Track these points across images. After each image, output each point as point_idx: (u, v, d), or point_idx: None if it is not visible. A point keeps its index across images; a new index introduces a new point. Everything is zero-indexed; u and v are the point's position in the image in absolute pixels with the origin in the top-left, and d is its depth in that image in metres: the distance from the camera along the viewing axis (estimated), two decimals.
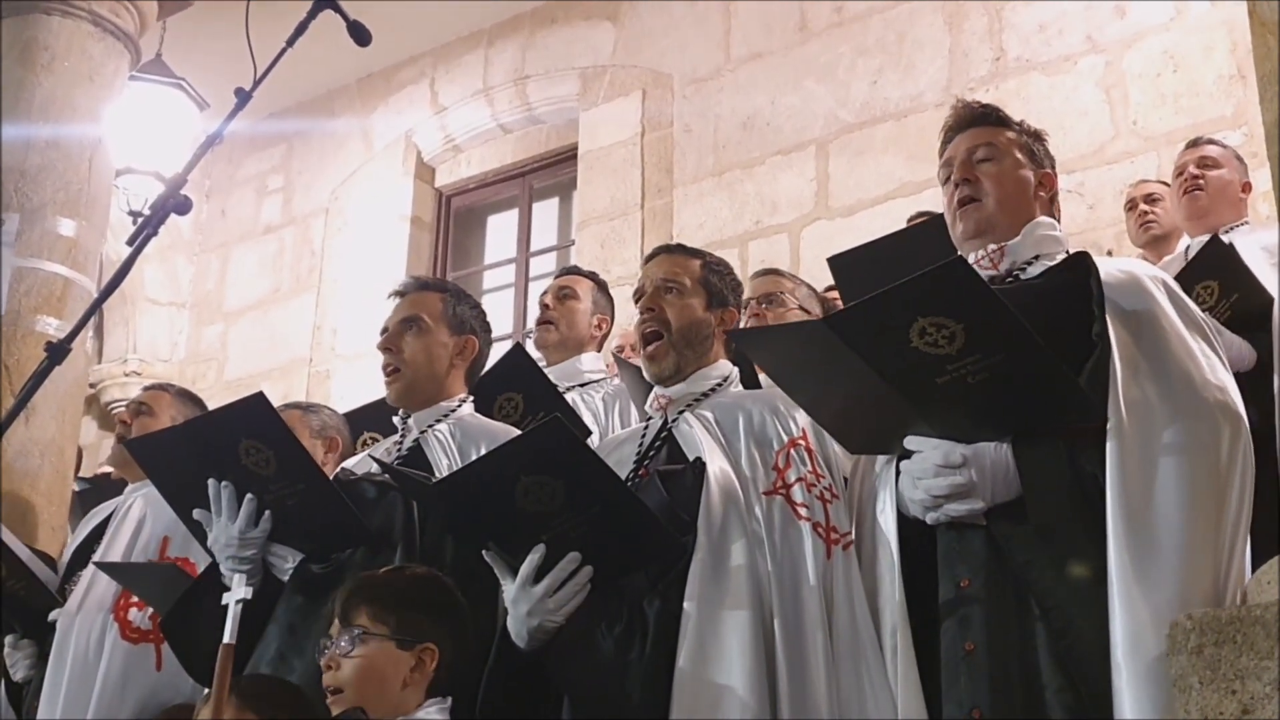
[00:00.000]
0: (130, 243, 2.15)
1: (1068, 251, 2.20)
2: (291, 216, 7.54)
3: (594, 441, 2.96)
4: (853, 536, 2.19)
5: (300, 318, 7.20)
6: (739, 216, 5.85)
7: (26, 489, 4.38)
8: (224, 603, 2.23)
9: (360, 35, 2.47)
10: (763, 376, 2.75)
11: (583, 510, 2.10)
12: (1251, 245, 3.25)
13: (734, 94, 6.06)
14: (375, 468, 2.63)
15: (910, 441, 2.00)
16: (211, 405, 3.31)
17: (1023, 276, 2.16)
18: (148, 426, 3.36)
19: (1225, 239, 3.30)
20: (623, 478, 2.26)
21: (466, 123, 7.08)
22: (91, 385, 6.96)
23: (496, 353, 3.15)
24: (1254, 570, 1.75)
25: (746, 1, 6.14)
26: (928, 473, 1.96)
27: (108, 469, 4.50)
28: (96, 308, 2.44)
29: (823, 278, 3.62)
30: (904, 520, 2.05)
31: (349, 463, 2.92)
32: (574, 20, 6.73)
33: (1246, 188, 3.67)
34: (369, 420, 3.51)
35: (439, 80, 7.19)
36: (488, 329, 2.87)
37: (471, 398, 2.81)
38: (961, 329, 1.82)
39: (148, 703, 3.10)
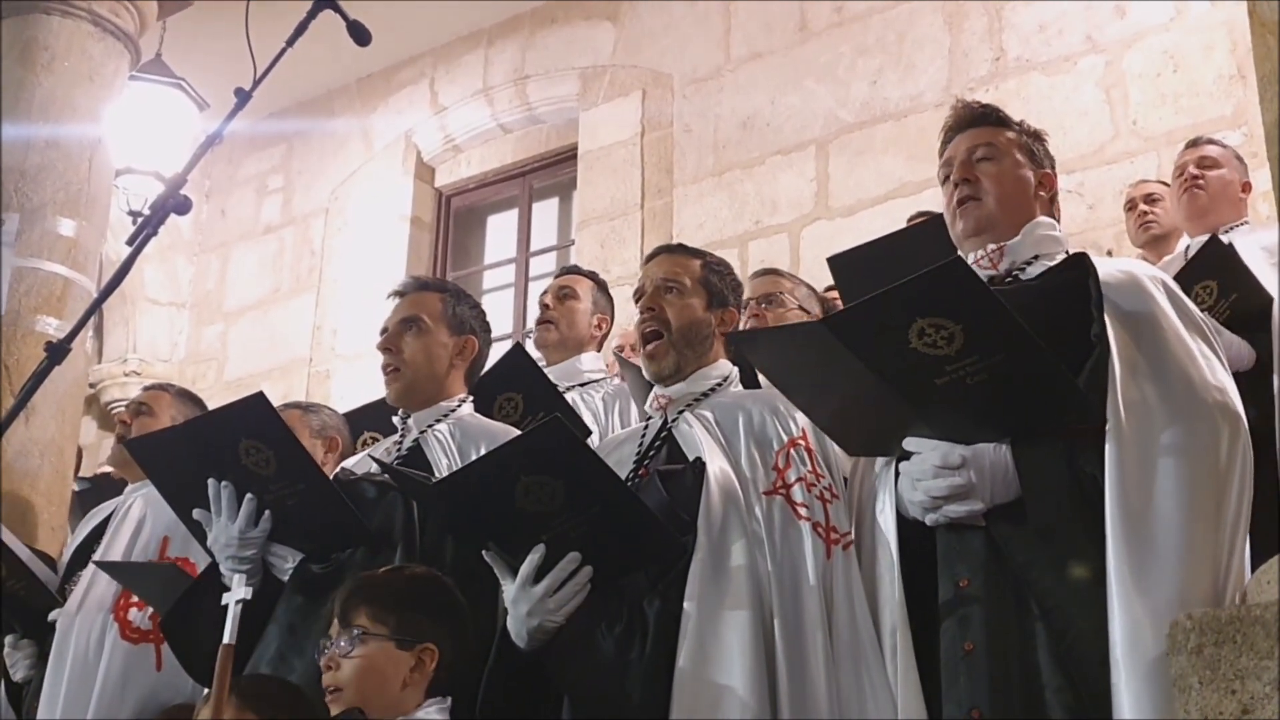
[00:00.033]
0: (130, 243, 2.15)
1: (1067, 252, 2.20)
2: (291, 216, 7.54)
3: (594, 441, 2.96)
4: (853, 536, 2.19)
5: (300, 318, 7.20)
6: (739, 216, 5.85)
7: (26, 489, 4.38)
8: (224, 603, 2.23)
9: (360, 35, 2.47)
10: (762, 377, 2.75)
11: (583, 510, 2.10)
12: (1251, 245, 3.25)
13: (734, 94, 6.06)
14: (375, 468, 2.63)
15: (909, 443, 2.00)
16: (211, 405, 3.31)
17: (1022, 276, 2.16)
18: (148, 426, 3.35)
19: (1224, 239, 3.30)
20: (623, 477, 2.26)
21: (466, 123, 7.08)
22: (91, 385, 6.97)
23: (496, 353, 3.15)
24: (1254, 570, 1.75)
25: (746, 1, 6.14)
26: (926, 474, 1.96)
27: (108, 469, 4.50)
28: (96, 308, 2.44)
29: (823, 278, 3.62)
30: (903, 520, 2.05)
31: (349, 462, 2.92)
32: (574, 20, 6.73)
33: (1246, 188, 3.67)
34: (369, 420, 3.51)
35: (439, 80, 7.19)
36: (487, 329, 2.87)
37: (471, 398, 2.81)
38: (960, 330, 1.82)
39: (148, 703, 3.10)
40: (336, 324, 7.00)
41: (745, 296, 3.11)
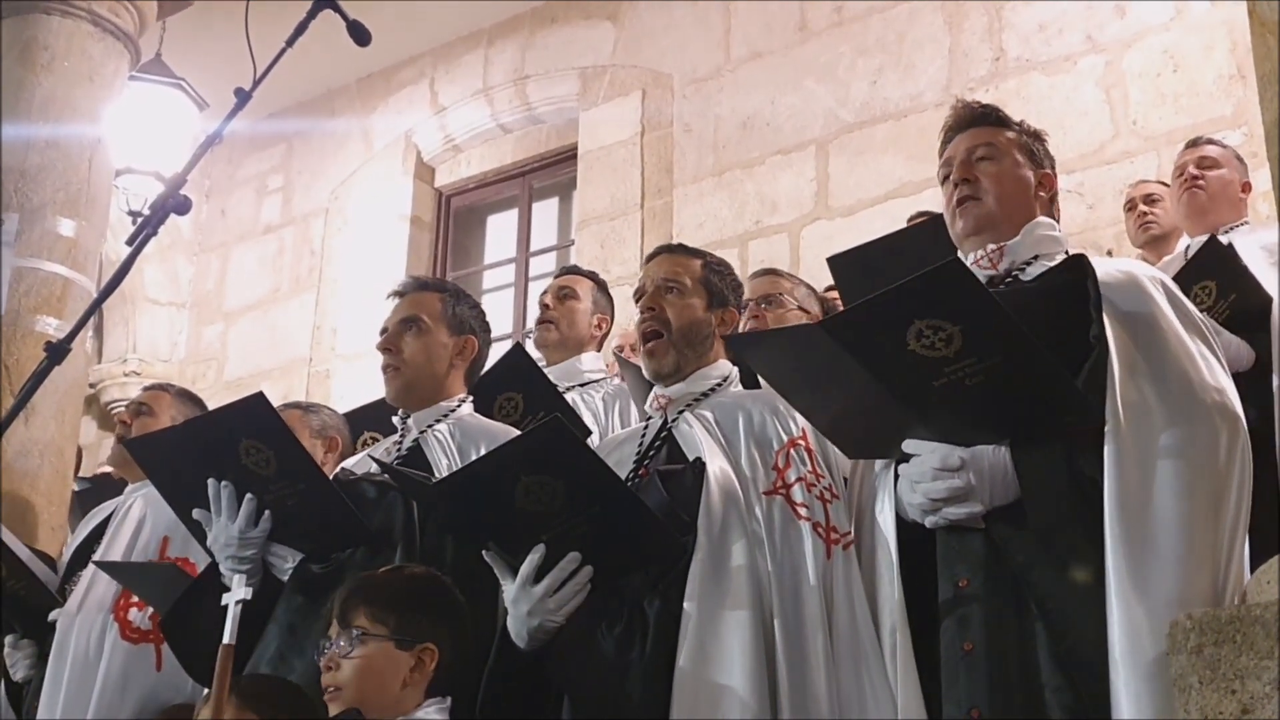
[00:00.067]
0: (130, 243, 2.15)
1: (1067, 252, 2.20)
2: (291, 216, 7.54)
3: (594, 441, 2.96)
4: (853, 536, 2.19)
5: (300, 318, 7.20)
6: (739, 216, 5.85)
7: (26, 489, 4.38)
8: (224, 603, 2.23)
9: (360, 35, 2.47)
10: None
11: (583, 510, 2.10)
12: (1251, 245, 3.25)
13: (734, 94, 6.06)
14: (375, 468, 2.63)
15: (908, 445, 2.00)
16: (211, 405, 3.31)
17: (1021, 277, 2.16)
18: (148, 426, 3.35)
19: (1224, 239, 3.30)
20: (623, 477, 2.26)
21: (466, 123, 7.08)
22: (91, 385, 6.97)
23: (496, 353, 3.15)
24: (1254, 570, 1.75)
25: (746, 1, 6.14)
26: (925, 476, 1.96)
27: (108, 469, 4.50)
28: (96, 308, 2.44)
29: (823, 278, 3.62)
30: (903, 522, 2.05)
31: (349, 462, 2.92)
32: (574, 20, 6.73)
33: (1246, 187, 3.67)
34: (369, 420, 3.51)
35: (439, 80, 7.19)
36: (487, 329, 2.87)
37: (471, 398, 2.81)
38: (959, 331, 1.82)
39: (148, 703, 3.10)
40: (336, 324, 7.00)
41: (745, 297, 3.11)
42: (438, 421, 2.71)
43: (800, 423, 2.31)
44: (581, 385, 3.69)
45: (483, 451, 2.46)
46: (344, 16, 2.42)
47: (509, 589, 2.14)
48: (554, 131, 6.86)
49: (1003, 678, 1.86)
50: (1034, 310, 1.96)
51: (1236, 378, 2.05)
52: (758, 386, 2.65)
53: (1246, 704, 1.46)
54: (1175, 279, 2.26)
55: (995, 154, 2.24)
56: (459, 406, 2.75)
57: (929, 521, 1.99)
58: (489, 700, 2.17)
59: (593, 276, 3.97)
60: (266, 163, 7.73)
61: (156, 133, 6.03)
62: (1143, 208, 4.07)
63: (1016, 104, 4.93)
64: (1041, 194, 2.25)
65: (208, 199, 7.87)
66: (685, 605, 2.08)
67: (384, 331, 2.76)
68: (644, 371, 2.50)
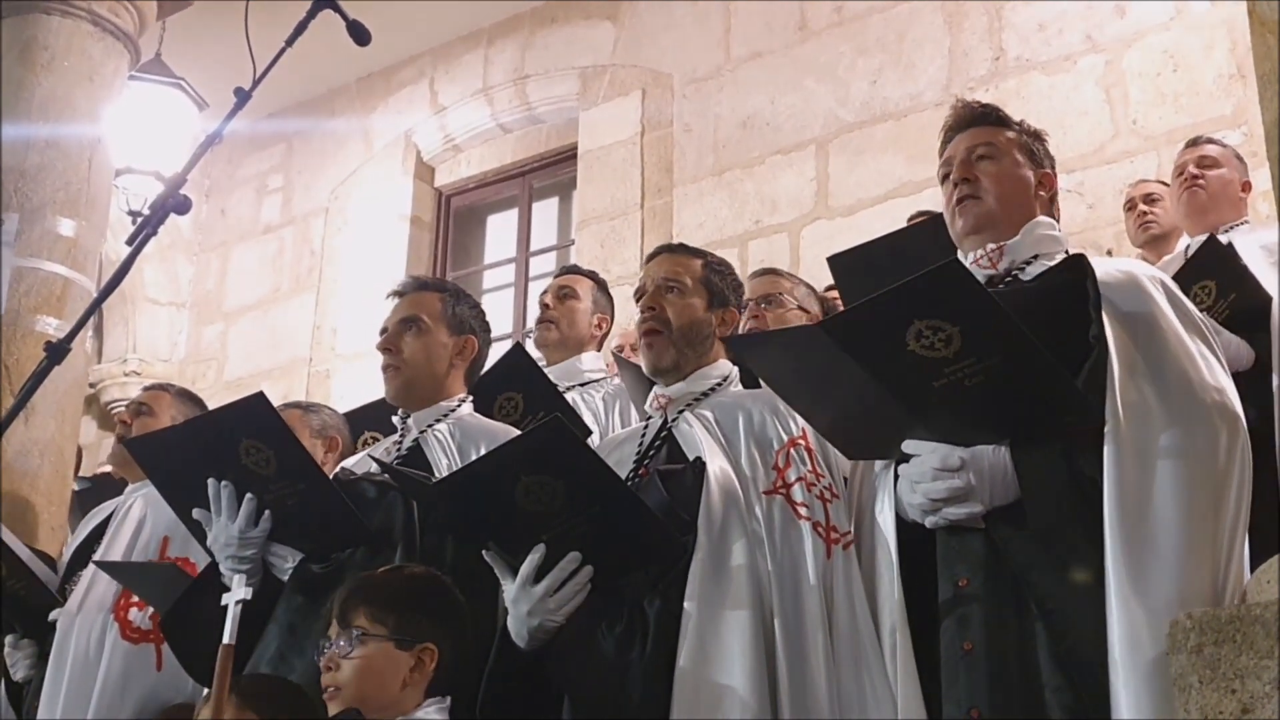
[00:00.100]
0: (130, 242, 2.15)
1: (1067, 252, 2.20)
2: (291, 216, 7.54)
3: (594, 441, 2.96)
4: (853, 536, 2.19)
5: (300, 318, 7.20)
6: (739, 216, 5.85)
7: (26, 489, 4.38)
8: (224, 603, 2.23)
9: (360, 35, 2.47)
10: None
11: (583, 510, 2.10)
12: (1251, 244, 3.25)
13: (734, 93, 6.06)
14: (375, 468, 2.63)
15: (908, 445, 2.00)
16: (211, 405, 3.31)
17: (1021, 276, 2.15)
18: (148, 426, 3.35)
19: (1223, 238, 3.30)
20: (623, 477, 2.26)
21: (466, 122, 7.08)
22: (91, 385, 6.97)
23: (496, 352, 3.15)
24: (1254, 570, 1.75)
25: (746, 1, 6.14)
26: (925, 476, 1.96)
27: (108, 469, 4.50)
28: (96, 307, 2.44)
29: (823, 277, 3.62)
30: (903, 522, 2.05)
31: (349, 462, 2.92)
32: (574, 20, 6.73)
33: (1246, 187, 3.67)
34: (369, 420, 3.51)
35: (439, 80, 7.19)
36: (487, 329, 2.87)
37: (471, 397, 2.81)
38: (958, 332, 1.82)
39: (148, 703, 3.11)
40: (336, 324, 7.00)
41: (745, 297, 3.11)
42: (438, 421, 2.71)
43: (800, 422, 2.31)
44: (582, 385, 3.69)
45: (483, 451, 2.46)
46: (344, 16, 2.42)
47: (509, 589, 2.14)
48: (554, 131, 6.86)
49: (1002, 678, 1.86)
50: (1033, 310, 1.96)
51: (1236, 378, 2.05)
52: (758, 386, 2.65)
53: (1246, 703, 1.46)
54: (1175, 279, 2.26)
55: (995, 153, 2.24)
56: (459, 406, 2.75)
57: (929, 522, 1.99)
58: (489, 700, 2.17)
59: (593, 276, 3.97)
60: (266, 162, 7.73)
61: (156, 133, 6.03)
62: (1142, 207, 4.07)
63: (1016, 104, 4.93)
64: (1041, 194, 2.25)
65: (208, 199, 7.87)
66: (685, 605, 2.08)
67: (384, 331, 2.77)
68: (642, 365, 2.50)
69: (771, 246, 5.65)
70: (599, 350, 3.92)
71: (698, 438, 2.31)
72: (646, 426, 2.48)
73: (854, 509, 2.23)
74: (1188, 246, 3.56)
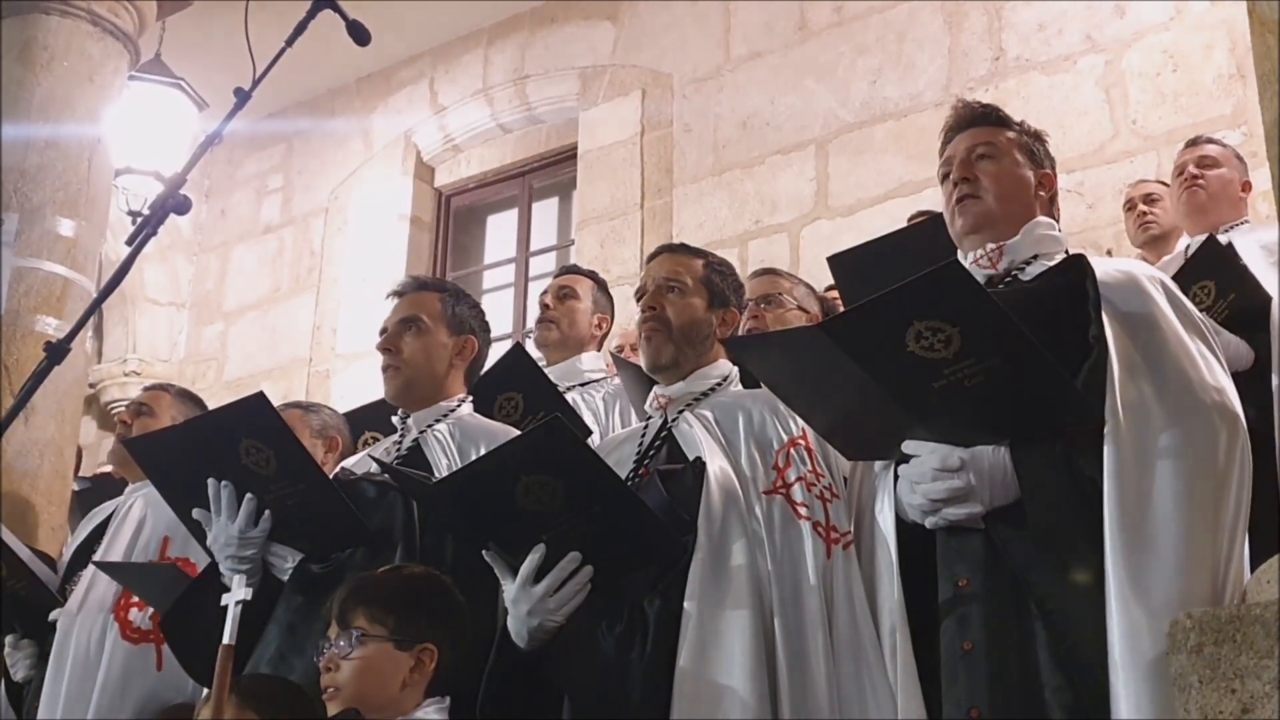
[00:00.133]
0: (130, 242, 2.15)
1: (1067, 252, 2.20)
2: (291, 216, 7.54)
3: (594, 441, 2.96)
4: (852, 536, 2.19)
5: (300, 318, 7.20)
6: (739, 216, 5.85)
7: (26, 489, 4.38)
8: (224, 603, 2.23)
9: (360, 35, 2.47)
10: None
11: (583, 510, 2.10)
12: (1251, 244, 3.25)
13: (734, 93, 6.06)
14: (375, 468, 2.63)
15: (908, 446, 2.00)
16: (211, 405, 3.31)
17: (1021, 276, 2.15)
18: (148, 426, 3.36)
19: (1223, 238, 3.30)
20: (623, 477, 2.26)
21: (466, 122, 7.08)
22: (91, 385, 6.97)
23: (496, 353, 3.15)
24: (1254, 570, 1.75)
25: (746, 1, 6.14)
26: (925, 477, 1.96)
27: (108, 469, 4.50)
28: (96, 307, 2.44)
29: (823, 277, 3.62)
30: (903, 522, 2.05)
31: (349, 462, 2.92)
32: (573, 20, 6.73)
33: (1246, 187, 3.67)
34: (369, 420, 3.52)
35: (438, 80, 7.19)
36: (487, 329, 2.87)
37: (471, 397, 2.81)
38: (958, 332, 1.82)
39: (148, 703, 3.10)
40: (336, 324, 7.00)
41: (744, 297, 3.11)
42: (437, 421, 2.71)
43: (800, 422, 2.31)
44: (582, 385, 3.69)
45: (483, 451, 2.46)
46: (344, 16, 2.42)
47: (509, 589, 2.14)
48: (554, 131, 6.86)
49: (1002, 678, 1.86)
50: (1033, 310, 1.96)
51: (1236, 378, 2.05)
52: (758, 386, 2.65)
53: (1246, 703, 1.46)
54: (1175, 279, 2.26)
55: (995, 153, 2.24)
56: (459, 406, 2.75)
57: (929, 522, 1.99)
58: (489, 700, 2.17)
59: (593, 276, 3.97)
60: (266, 163, 7.73)
61: (156, 133, 6.02)
62: (1142, 207, 4.07)
63: (1016, 104, 4.94)
64: (1041, 194, 2.25)
65: (207, 199, 7.88)
66: (685, 605, 2.08)
67: (384, 331, 2.77)
68: (641, 362, 2.50)
69: (771, 246, 5.65)
70: (599, 350, 3.92)
71: (697, 438, 2.31)
72: (646, 426, 2.48)
73: (854, 509, 2.23)
74: (1187, 246, 3.56)
